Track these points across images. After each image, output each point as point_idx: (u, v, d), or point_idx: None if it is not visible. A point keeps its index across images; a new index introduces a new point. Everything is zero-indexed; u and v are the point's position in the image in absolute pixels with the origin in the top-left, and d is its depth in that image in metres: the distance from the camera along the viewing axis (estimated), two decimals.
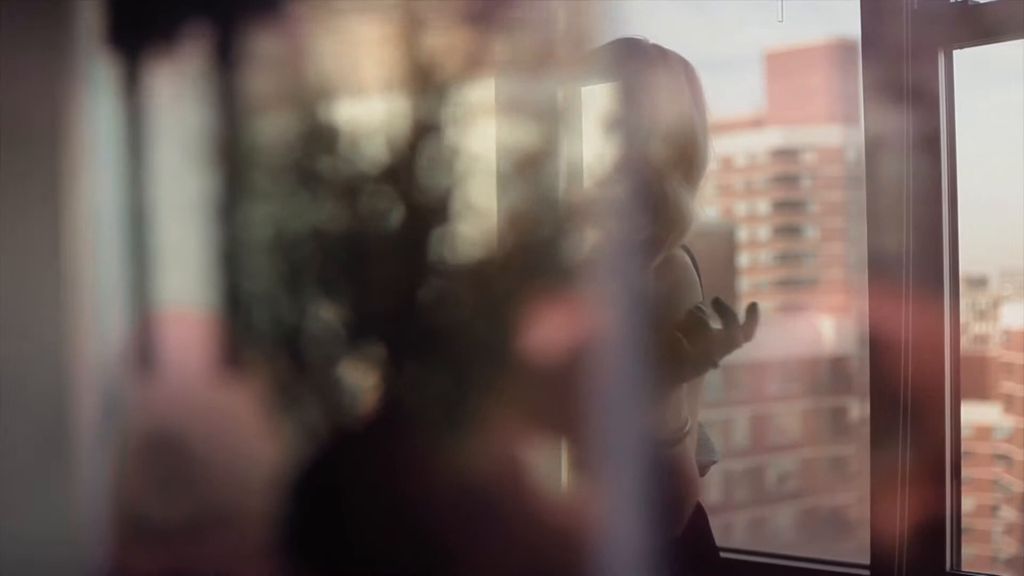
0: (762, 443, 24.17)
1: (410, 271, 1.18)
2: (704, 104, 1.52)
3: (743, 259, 29.26)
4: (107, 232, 1.12)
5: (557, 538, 1.23)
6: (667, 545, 1.43)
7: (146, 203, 1.12)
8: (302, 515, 1.08)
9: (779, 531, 22.27)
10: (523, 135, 1.29)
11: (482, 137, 1.24)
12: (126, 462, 1.08)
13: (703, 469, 1.51)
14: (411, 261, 1.18)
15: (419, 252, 1.19)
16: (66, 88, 1.08)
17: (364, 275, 1.16)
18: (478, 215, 1.21)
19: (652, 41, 1.56)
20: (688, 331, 1.38)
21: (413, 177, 1.17)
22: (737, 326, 1.33)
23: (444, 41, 1.18)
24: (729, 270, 28.81)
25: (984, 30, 1.63)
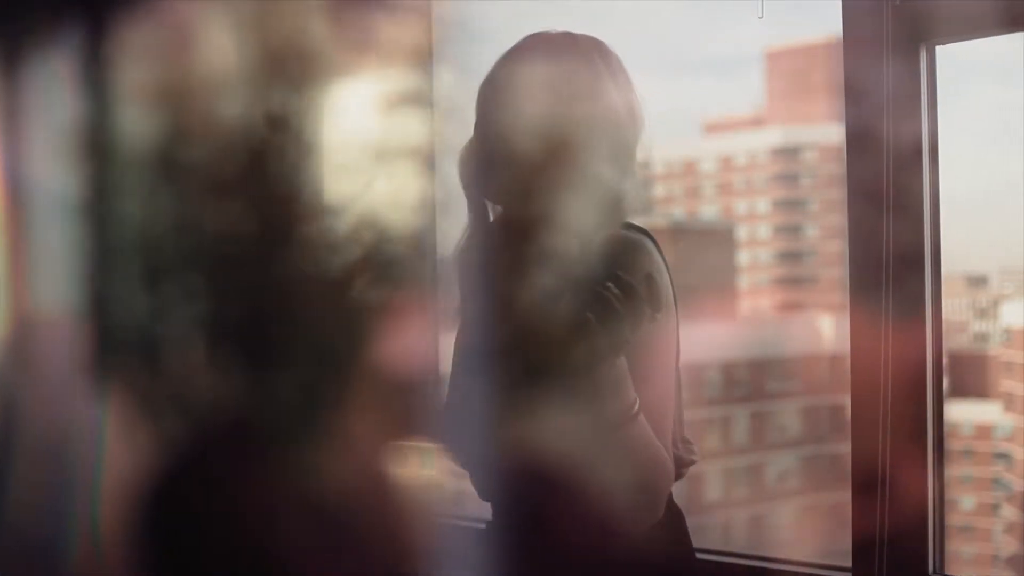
0: (761, 441, 24.16)
1: (265, 274, 1.15)
2: (627, 83, 1.48)
3: (743, 258, 29.22)
4: None
5: (409, 549, 1.21)
6: (644, 536, 1.41)
7: (19, 201, 1.08)
8: (153, 524, 1.06)
9: (778, 529, 22.27)
10: (388, 129, 1.27)
11: (345, 132, 1.21)
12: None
13: (681, 469, 1.47)
14: (266, 263, 1.15)
15: (275, 254, 1.16)
16: None
17: (220, 279, 1.13)
18: (338, 215, 1.19)
19: (560, 30, 1.53)
20: (594, 310, 1.35)
21: (270, 175, 1.14)
22: (639, 299, 1.29)
23: (305, 35, 1.16)
24: (729, 269, 28.77)
25: (967, 25, 1.62)
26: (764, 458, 24.04)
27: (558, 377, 1.35)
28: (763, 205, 30.39)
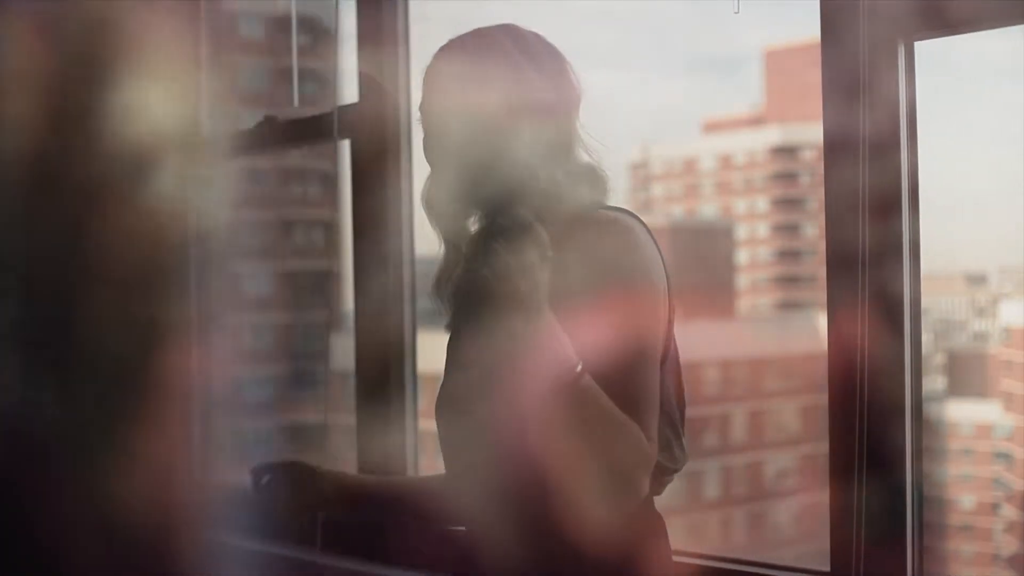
0: (760, 439, 24.22)
1: (58, 277, 1.13)
2: (553, 60, 1.46)
3: (742, 256, 29.26)
4: None
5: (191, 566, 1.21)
6: (620, 537, 1.39)
7: None
8: None
9: (777, 527, 22.32)
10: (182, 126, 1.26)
11: (145, 130, 1.20)
12: None
13: (662, 477, 1.44)
14: (60, 264, 1.12)
15: (71, 254, 1.13)
16: None
17: (11, 280, 1.11)
18: (139, 215, 1.18)
19: (470, 30, 1.53)
20: (488, 264, 1.34)
21: (69, 170, 1.11)
22: (520, 241, 1.27)
23: (99, 33, 1.15)
24: (728, 267, 28.82)
25: (946, 22, 1.64)
26: (762, 456, 24.09)
27: (491, 345, 1.35)
28: (762, 204, 30.44)
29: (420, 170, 2.23)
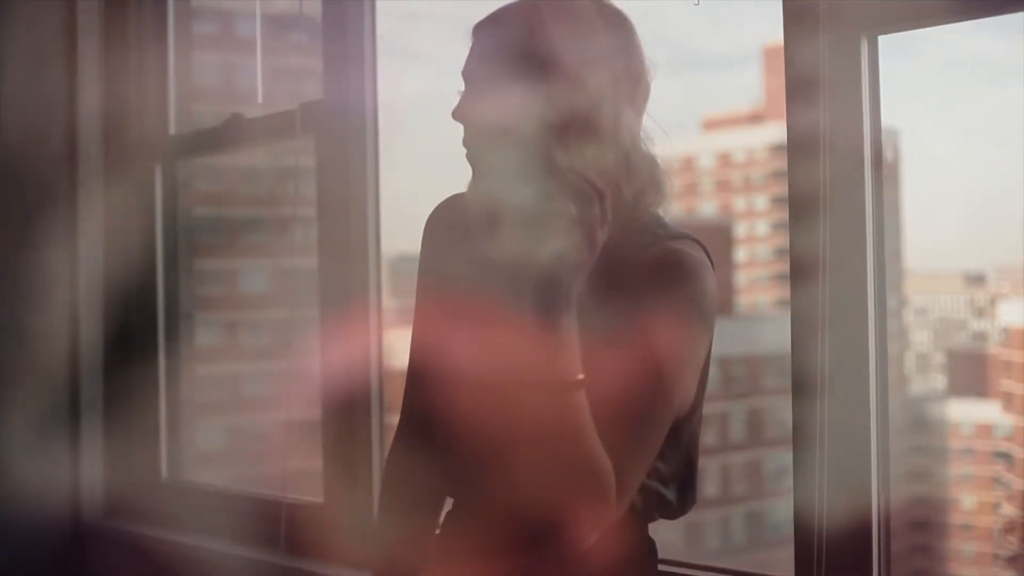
0: (759, 438, 24.16)
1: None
2: (622, 38, 1.29)
3: (741, 254, 29.18)
4: None
5: None
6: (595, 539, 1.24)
7: None
8: None
9: (777, 526, 22.25)
10: None
11: None
12: None
13: (670, 513, 1.32)
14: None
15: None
16: None
17: None
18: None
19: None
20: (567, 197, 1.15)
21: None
22: (597, 202, 1.09)
23: None
24: (727, 264, 28.75)
25: (908, 14, 1.56)
26: (761, 455, 24.03)
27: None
28: (761, 201, 30.36)
29: (386, 167, 2.15)
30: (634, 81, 1.33)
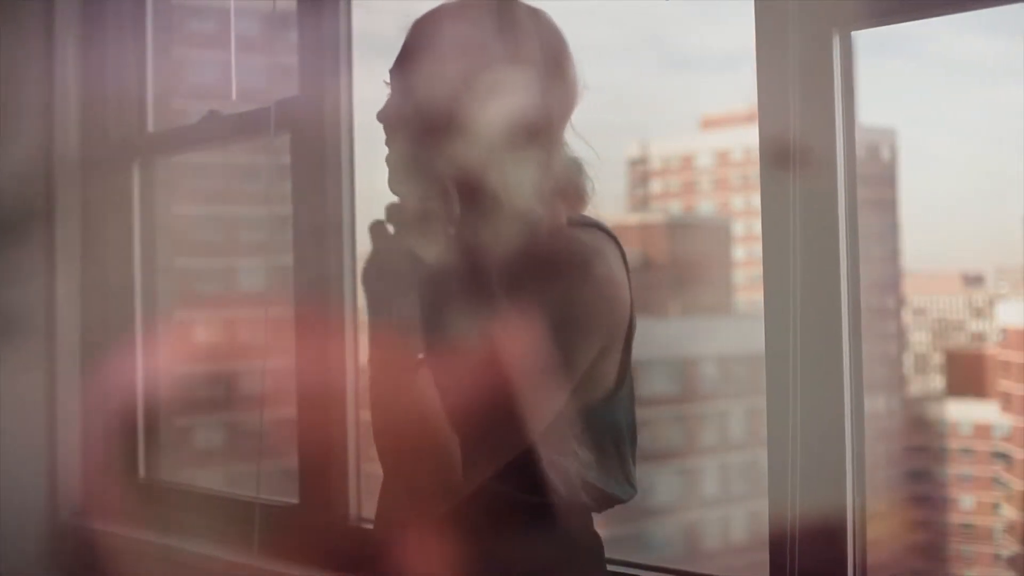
0: (758, 437, 24.08)
1: None
2: (541, 50, 1.32)
3: (739, 253, 29.13)
4: None
5: None
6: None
7: None
8: None
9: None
10: None
11: None
12: None
13: (603, 503, 1.32)
14: None
15: None
16: None
17: None
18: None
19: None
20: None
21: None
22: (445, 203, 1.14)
23: None
24: (725, 263, 28.72)
25: (882, 9, 1.54)
26: (761, 455, 23.95)
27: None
28: (759, 200, 30.31)
29: (361, 164, 2.14)
30: (550, 88, 1.34)
